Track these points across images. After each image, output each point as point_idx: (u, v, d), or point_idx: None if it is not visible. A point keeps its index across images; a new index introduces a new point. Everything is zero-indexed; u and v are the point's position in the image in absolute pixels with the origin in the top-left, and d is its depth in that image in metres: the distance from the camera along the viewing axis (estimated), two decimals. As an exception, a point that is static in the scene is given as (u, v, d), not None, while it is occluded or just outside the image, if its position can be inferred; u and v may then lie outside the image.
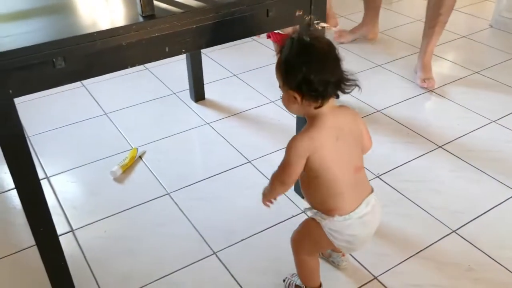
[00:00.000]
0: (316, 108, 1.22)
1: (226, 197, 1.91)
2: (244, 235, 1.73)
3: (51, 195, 1.96)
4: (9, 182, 2.06)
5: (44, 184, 2.02)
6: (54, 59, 1.15)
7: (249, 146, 2.19)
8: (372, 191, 1.35)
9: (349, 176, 1.28)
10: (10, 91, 1.13)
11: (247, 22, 1.41)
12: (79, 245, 1.73)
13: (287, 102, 1.25)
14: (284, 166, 1.27)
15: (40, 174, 2.08)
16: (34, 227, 1.33)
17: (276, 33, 2.39)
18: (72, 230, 1.79)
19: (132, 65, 1.28)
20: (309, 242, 1.40)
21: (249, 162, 2.10)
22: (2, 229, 1.82)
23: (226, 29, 1.38)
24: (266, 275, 1.58)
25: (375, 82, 2.69)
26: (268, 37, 2.51)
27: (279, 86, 1.25)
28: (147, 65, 2.95)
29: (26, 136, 2.27)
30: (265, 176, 2.00)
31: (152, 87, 2.71)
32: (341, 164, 1.26)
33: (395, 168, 2.04)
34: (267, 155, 2.12)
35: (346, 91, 1.22)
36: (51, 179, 2.06)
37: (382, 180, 1.97)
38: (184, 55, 2.46)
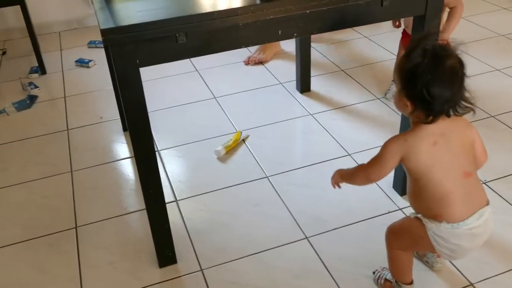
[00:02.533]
0: (423, 123, 1.22)
1: (323, 187, 1.93)
2: (337, 224, 1.74)
3: (160, 167, 2.11)
4: (124, 151, 2.25)
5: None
6: (177, 34, 1.25)
7: (350, 139, 2.19)
8: (488, 203, 1.29)
9: (456, 181, 1.24)
10: (137, 61, 1.25)
11: (360, 10, 1.42)
12: (181, 214, 1.84)
13: (398, 102, 1.26)
14: (375, 161, 1.30)
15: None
16: (145, 190, 1.45)
17: (409, 36, 2.32)
18: (176, 200, 1.92)
19: (246, 45, 1.35)
20: (408, 238, 1.37)
21: (349, 155, 2.09)
22: (114, 192, 2.00)
23: (339, 16, 1.40)
24: (356, 266, 1.58)
25: (490, 86, 2.55)
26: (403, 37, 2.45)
27: (393, 80, 1.25)
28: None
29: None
30: (364, 170, 1.98)
31: (260, 76, 2.80)
32: (444, 169, 1.23)
33: (505, 176, 1.92)
34: (368, 150, 2.11)
35: (460, 112, 1.21)
36: (161, 152, 2.21)
37: (489, 187, 1.87)
38: (294, 47, 2.52)
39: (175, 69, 2.91)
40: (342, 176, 1.42)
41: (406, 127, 1.30)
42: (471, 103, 1.20)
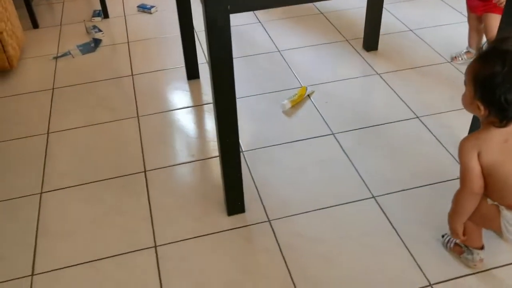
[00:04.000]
0: (497, 127, 1.21)
1: (390, 147, 1.90)
2: (406, 185, 1.73)
3: (225, 117, 2.11)
4: (188, 100, 2.26)
5: (219, 106, 2.18)
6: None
7: (419, 102, 2.13)
8: None
9: None
10: (229, 6, 1.23)
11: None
12: (247, 166, 1.86)
13: (469, 105, 1.25)
14: (463, 172, 1.29)
15: (217, 97, 2.25)
16: (222, 139, 1.46)
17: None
18: (242, 151, 1.93)
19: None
20: (479, 216, 1.36)
21: (417, 117, 2.05)
22: (180, 139, 2.02)
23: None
24: (425, 228, 1.57)
25: None
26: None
27: (464, 83, 1.24)
28: (322, 9, 2.97)
29: (205, 62, 2.47)
30: (433, 134, 1.94)
31: (325, 32, 2.74)
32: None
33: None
34: (438, 114, 2.05)
35: None
36: (226, 103, 2.21)
37: None
38: (365, 2, 2.43)
39: (237, 20, 2.87)
40: (454, 219, 1.38)
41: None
42: None
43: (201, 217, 1.66)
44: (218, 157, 1.71)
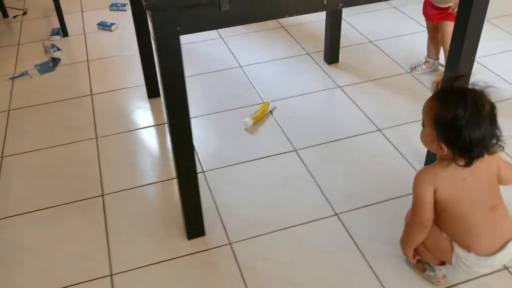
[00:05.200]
0: (460, 166, 1.22)
1: (352, 162, 1.90)
2: (369, 200, 1.71)
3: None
4: (149, 119, 2.21)
5: (181, 125, 2.15)
6: (220, 1, 1.19)
7: (380, 114, 2.14)
8: None
9: (483, 215, 1.28)
10: (179, 28, 1.20)
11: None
12: (208, 186, 1.82)
13: (429, 143, 1.26)
14: (415, 203, 1.31)
15: (178, 116, 2.21)
16: (178, 161, 1.42)
17: (433, 6, 2.26)
18: (203, 171, 1.89)
19: (290, 15, 1.29)
20: (432, 245, 1.38)
21: (379, 130, 2.05)
22: (140, 161, 1.97)
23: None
24: (388, 245, 1.55)
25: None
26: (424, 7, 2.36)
27: (422, 124, 1.26)
28: (283, 23, 2.96)
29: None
30: (395, 146, 1.94)
31: (286, 46, 2.73)
32: (470, 203, 1.27)
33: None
34: (400, 126, 2.06)
35: (491, 150, 1.23)
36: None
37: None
38: (324, 15, 2.44)
39: (197, 36, 2.84)
40: (405, 246, 1.42)
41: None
42: (501, 140, 1.22)
43: (160, 242, 1.61)
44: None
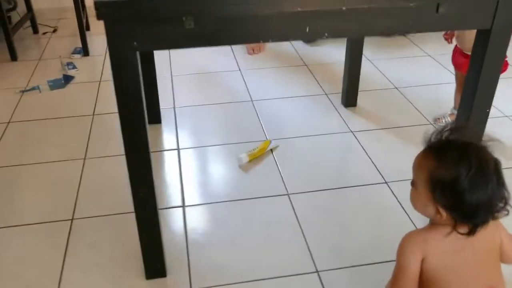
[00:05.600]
0: (462, 234, 1.01)
1: (350, 215, 1.70)
2: (356, 261, 1.50)
3: (176, 167, 1.94)
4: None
5: (173, 154, 2.02)
6: (184, 18, 1.07)
7: (390, 166, 1.93)
8: None
9: None
10: (135, 43, 1.08)
11: (410, 15, 1.18)
12: (184, 222, 1.67)
13: (422, 206, 1.04)
14: (396, 271, 1.09)
15: (173, 145, 2.09)
16: (135, 194, 1.29)
17: (463, 54, 2.07)
18: (183, 206, 1.74)
19: (266, 40, 1.15)
20: None
21: (386, 183, 1.84)
22: (121, 187, 1.84)
23: (383, 18, 1.17)
24: (369, 315, 1.34)
25: None
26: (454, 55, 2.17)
27: (412, 183, 1.06)
28: (307, 61, 2.83)
29: (173, 107, 2.34)
30: (399, 202, 1.73)
31: (304, 84, 2.59)
32: (464, 280, 1.05)
33: None
34: (409, 181, 1.84)
35: (497, 216, 1.03)
36: (181, 151, 2.05)
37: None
38: (344, 56, 2.28)
39: (215, 66, 2.76)
40: None
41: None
42: (508, 203, 1.01)
43: (117, 278, 1.46)
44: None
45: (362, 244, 1.57)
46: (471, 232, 1.00)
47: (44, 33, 3.30)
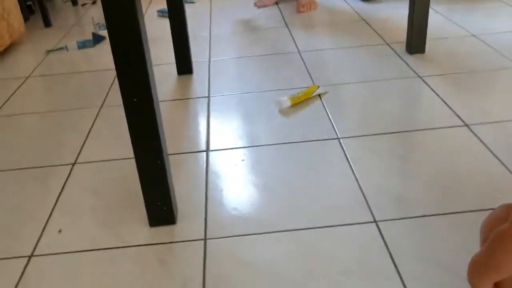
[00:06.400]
0: None
1: (416, 159, 1.30)
2: (421, 211, 1.11)
3: (204, 111, 1.63)
4: (166, 94, 1.81)
5: (203, 101, 1.71)
6: None
7: (471, 108, 1.52)
8: None
9: None
10: None
11: None
12: (206, 166, 1.33)
13: None
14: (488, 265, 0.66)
15: (203, 92, 1.78)
16: (134, 138, 0.98)
17: None
18: (207, 150, 1.41)
19: None
20: None
21: (466, 125, 1.43)
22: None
23: None
24: (444, 271, 0.94)
25: None
26: None
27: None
28: (365, 17, 2.46)
29: (208, 59, 2.04)
30: (485, 145, 1.31)
31: (363, 35, 2.21)
32: None
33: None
34: (495, 123, 1.42)
35: None
36: (211, 98, 1.73)
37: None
38: (402, 3, 1.90)
39: (260, 23, 2.44)
40: (480, 273, 0.71)
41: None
42: None
43: (113, 224, 1.14)
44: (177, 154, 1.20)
45: (437, 191, 1.17)
46: None
47: (84, 5, 3.13)
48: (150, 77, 0.97)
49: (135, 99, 0.98)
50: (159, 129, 1.02)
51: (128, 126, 1.00)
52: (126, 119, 0.99)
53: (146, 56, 0.95)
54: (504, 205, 0.73)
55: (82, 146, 1.48)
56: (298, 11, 2.59)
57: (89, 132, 1.56)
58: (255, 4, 2.77)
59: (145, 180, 1.06)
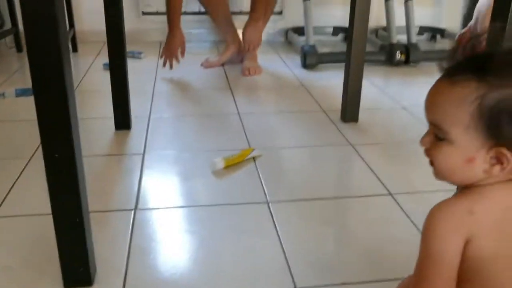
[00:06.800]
0: None
1: (343, 225, 1.34)
2: (341, 279, 1.12)
3: (137, 169, 1.61)
4: (102, 148, 1.79)
5: (137, 158, 1.70)
6: None
7: (396, 177, 1.58)
8: None
9: None
10: None
11: None
12: (132, 226, 1.31)
13: (465, 164, 0.68)
14: (424, 262, 0.71)
15: (139, 149, 1.77)
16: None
17: None
18: (134, 209, 1.39)
19: None
20: None
21: (390, 194, 1.48)
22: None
23: None
24: None
25: None
26: None
27: (446, 130, 0.68)
28: (305, 83, 2.56)
29: (148, 115, 2.04)
30: (407, 215, 1.37)
31: (300, 101, 2.30)
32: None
33: None
34: (418, 193, 1.49)
35: None
36: (146, 154, 1.72)
37: None
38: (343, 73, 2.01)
39: (203, 83, 2.49)
40: None
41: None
42: None
43: (27, 284, 1.09)
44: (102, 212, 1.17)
45: (357, 260, 1.19)
46: None
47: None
48: (74, 133, 0.96)
49: (56, 155, 0.96)
50: (80, 185, 1.00)
51: (47, 181, 0.98)
52: (46, 174, 0.97)
53: (71, 112, 0.95)
54: (412, 275, 0.76)
55: (4, 199, 1.42)
56: (243, 75, 2.67)
57: (13, 184, 1.51)
58: (202, 65, 2.84)
59: (62, 238, 1.03)
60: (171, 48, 2.64)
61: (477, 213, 0.67)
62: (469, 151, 0.67)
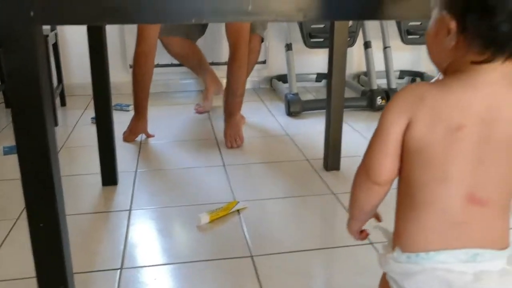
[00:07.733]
0: (473, 63, 0.70)
1: (328, 277, 1.37)
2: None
3: (123, 227, 1.63)
4: (87, 206, 1.81)
5: (124, 215, 1.72)
6: (93, -16, 0.86)
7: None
8: (507, 246, 0.74)
9: (450, 202, 0.72)
10: (32, 13, 0.86)
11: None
12: (118, 286, 1.32)
13: (433, 35, 0.75)
14: (374, 134, 0.79)
15: (125, 206, 1.79)
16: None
17: None
18: (120, 268, 1.41)
19: (199, 20, 0.92)
20: None
21: (371, 243, 1.52)
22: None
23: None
24: None
25: None
26: None
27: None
28: (288, 130, 2.62)
29: (134, 170, 2.08)
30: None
31: (287, 151, 2.35)
32: (442, 172, 0.72)
33: None
34: (399, 242, 1.52)
35: None
36: (132, 212, 1.75)
37: None
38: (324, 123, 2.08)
39: (192, 134, 2.54)
40: (351, 215, 0.92)
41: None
42: None
43: None
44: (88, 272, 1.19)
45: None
46: (488, 58, 0.68)
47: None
48: (59, 203, 1.00)
49: (41, 224, 0.99)
50: (65, 252, 1.02)
51: (32, 250, 1.00)
52: (31, 242, 1.00)
53: (55, 179, 0.99)
54: None
55: (-11, 263, 1.44)
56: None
57: None
58: (195, 109, 2.92)
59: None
60: (134, 132, 2.47)
61: (426, 99, 0.72)
62: (434, 26, 0.74)
